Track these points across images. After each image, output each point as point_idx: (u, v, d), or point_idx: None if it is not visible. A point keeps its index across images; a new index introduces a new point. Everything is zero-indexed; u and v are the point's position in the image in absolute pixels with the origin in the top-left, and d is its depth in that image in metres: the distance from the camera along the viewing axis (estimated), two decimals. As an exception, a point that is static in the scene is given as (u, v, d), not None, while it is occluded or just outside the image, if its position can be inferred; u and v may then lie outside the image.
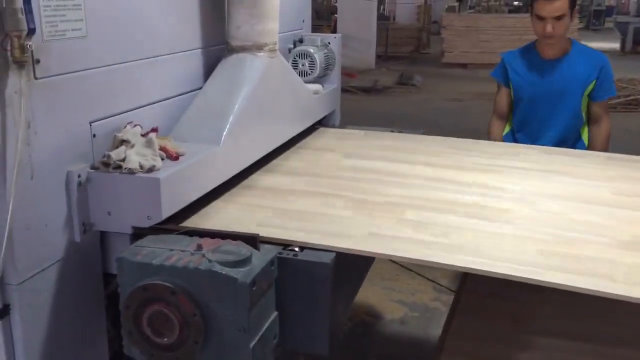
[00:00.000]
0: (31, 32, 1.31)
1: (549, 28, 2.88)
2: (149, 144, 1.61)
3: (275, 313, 1.44)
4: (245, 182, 2.00)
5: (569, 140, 3.10)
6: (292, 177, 2.09)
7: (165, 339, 1.34)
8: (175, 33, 1.90)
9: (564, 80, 3.01)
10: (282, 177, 2.09)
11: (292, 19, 2.68)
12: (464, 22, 14.43)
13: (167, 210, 1.55)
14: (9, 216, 1.30)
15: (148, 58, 1.77)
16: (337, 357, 1.60)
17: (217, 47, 2.09)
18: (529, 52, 3.12)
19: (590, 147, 3.10)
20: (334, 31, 12.70)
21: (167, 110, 1.87)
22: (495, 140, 3.24)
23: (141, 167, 1.53)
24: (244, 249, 1.37)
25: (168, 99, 1.88)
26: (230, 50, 2.04)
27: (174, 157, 1.64)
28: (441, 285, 3.85)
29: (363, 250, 1.56)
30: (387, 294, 3.82)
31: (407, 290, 3.88)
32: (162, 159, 1.61)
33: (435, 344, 2.36)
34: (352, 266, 1.79)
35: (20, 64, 1.31)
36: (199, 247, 1.39)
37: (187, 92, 1.97)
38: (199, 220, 1.68)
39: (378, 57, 13.98)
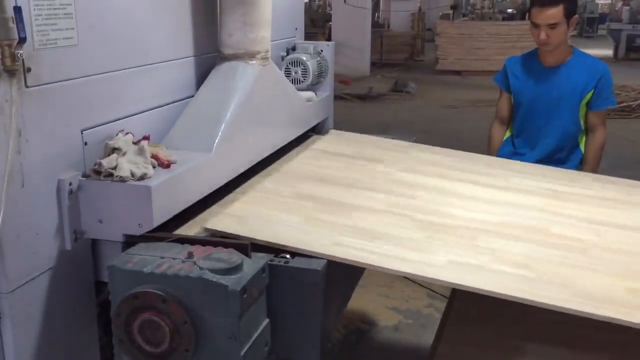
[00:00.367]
0: (22, 40, 1.31)
1: (542, 35, 2.91)
2: (141, 152, 1.61)
3: (267, 320, 1.44)
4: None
5: (566, 148, 3.12)
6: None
7: (156, 347, 1.33)
8: (167, 41, 1.90)
9: (562, 87, 3.03)
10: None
11: (285, 27, 2.69)
12: (458, 29, 14.49)
13: (159, 218, 1.55)
14: (-1, 224, 1.30)
15: (140, 66, 1.77)
16: (330, 364, 1.61)
17: (210, 55, 2.09)
18: (531, 58, 3.14)
19: (583, 157, 3.12)
20: (329, 39, 12.75)
21: (159, 118, 1.87)
22: (494, 144, 3.27)
23: (133, 175, 1.53)
24: (235, 257, 1.37)
25: (160, 107, 1.88)
26: (223, 58, 2.04)
27: (166, 165, 1.64)
28: (435, 292, 3.85)
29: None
30: (382, 301, 3.83)
31: (401, 297, 3.88)
32: (154, 167, 1.60)
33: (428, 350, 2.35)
34: (344, 273, 1.79)
35: (11, 73, 1.31)
36: (190, 255, 1.38)
37: (179, 100, 1.97)
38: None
39: (372, 64, 14.04)
